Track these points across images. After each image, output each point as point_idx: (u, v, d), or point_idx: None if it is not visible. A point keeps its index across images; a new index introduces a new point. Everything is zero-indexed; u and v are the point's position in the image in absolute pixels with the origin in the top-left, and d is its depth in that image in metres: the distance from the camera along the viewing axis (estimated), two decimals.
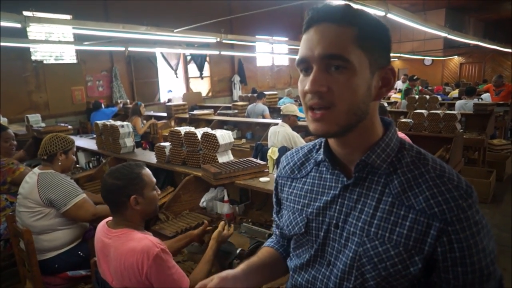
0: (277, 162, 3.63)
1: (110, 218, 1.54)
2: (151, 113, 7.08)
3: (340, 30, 0.68)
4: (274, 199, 1.02)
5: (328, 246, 0.81)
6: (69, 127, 4.60)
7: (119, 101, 7.56)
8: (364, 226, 0.75)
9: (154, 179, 1.59)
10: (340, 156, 0.80)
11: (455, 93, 8.93)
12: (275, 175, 1.03)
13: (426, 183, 0.72)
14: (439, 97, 6.05)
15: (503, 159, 5.18)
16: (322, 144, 0.84)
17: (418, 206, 0.71)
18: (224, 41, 5.40)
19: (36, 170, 2.26)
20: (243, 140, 5.21)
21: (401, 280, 0.72)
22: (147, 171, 1.56)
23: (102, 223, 1.53)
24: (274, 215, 1.04)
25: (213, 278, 0.80)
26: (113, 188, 1.45)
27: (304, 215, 0.85)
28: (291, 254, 0.94)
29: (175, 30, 4.55)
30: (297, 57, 0.74)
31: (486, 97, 6.79)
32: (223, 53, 8.00)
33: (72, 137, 2.76)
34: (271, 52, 12.06)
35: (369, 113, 0.73)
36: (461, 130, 4.15)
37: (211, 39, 5.22)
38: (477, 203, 0.71)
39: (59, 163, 2.29)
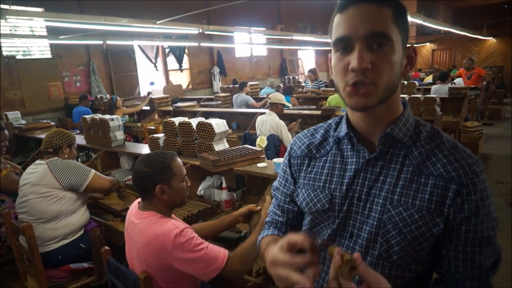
0: (266, 150, 3.72)
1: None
2: None
3: (380, 9, 0.73)
4: (288, 178, 0.98)
5: (350, 219, 0.85)
6: (52, 123, 4.50)
7: (98, 96, 7.38)
8: (387, 195, 0.80)
9: (184, 171, 1.59)
10: (362, 130, 0.85)
11: (429, 78, 9.32)
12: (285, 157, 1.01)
13: (442, 152, 0.80)
14: (416, 82, 6.28)
15: (476, 139, 5.49)
16: (343, 120, 0.89)
17: (436, 172, 0.78)
18: (203, 32, 5.37)
19: (40, 161, 2.29)
20: (230, 130, 5.24)
21: (424, 244, 0.78)
22: (179, 162, 1.57)
23: (135, 204, 1.57)
24: (278, 202, 1.01)
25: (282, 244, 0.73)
26: (142, 175, 1.48)
27: (327, 192, 0.88)
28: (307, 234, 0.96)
29: (157, 22, 4.49)
30: (334, 36, 0.77)
31: (459, 82, 7.11)
32: (202, 44, 7.93)
33: None
34: (249, 42, 12.03)
35: (397, 88, 0.80)
36: (440, 113, 4.36)
37: (193, 30, 5.18)
38: None
39: (65, 156, 2.36)
